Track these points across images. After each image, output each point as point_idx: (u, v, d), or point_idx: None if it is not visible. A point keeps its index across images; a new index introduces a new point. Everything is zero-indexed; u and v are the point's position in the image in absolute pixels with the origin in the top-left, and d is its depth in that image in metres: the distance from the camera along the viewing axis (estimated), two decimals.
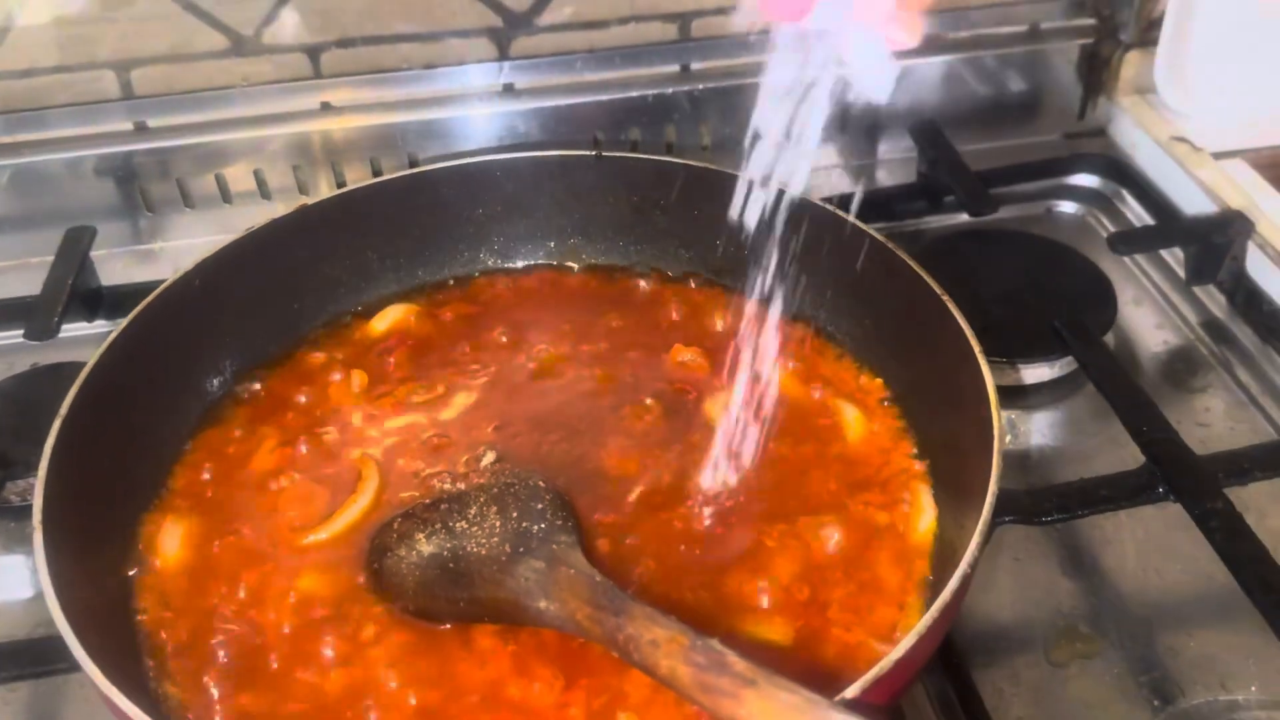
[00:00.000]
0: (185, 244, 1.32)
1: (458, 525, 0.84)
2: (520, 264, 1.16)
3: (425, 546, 0.84)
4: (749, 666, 0.61)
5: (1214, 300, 1.21)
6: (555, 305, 1.11)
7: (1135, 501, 0.94)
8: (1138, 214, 1.32)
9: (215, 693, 0.79)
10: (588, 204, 1.14)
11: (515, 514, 0.84)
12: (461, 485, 0.91)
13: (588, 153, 1.12)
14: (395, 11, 1.29)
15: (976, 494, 0.77)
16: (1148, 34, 1.36)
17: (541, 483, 0.89)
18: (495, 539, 0.82)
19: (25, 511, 0.99)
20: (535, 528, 0.82)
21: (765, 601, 0.83)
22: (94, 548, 0.83)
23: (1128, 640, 0.90)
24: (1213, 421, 1.09)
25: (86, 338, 1.17)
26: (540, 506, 0.84)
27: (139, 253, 1.33)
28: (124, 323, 0.92)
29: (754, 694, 0.59)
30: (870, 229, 0.98)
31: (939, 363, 0.90)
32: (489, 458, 0.94)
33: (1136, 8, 1.35)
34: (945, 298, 0.89)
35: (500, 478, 0.91)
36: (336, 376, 1.03)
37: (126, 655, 0.80)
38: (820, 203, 1.03)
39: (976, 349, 0.85)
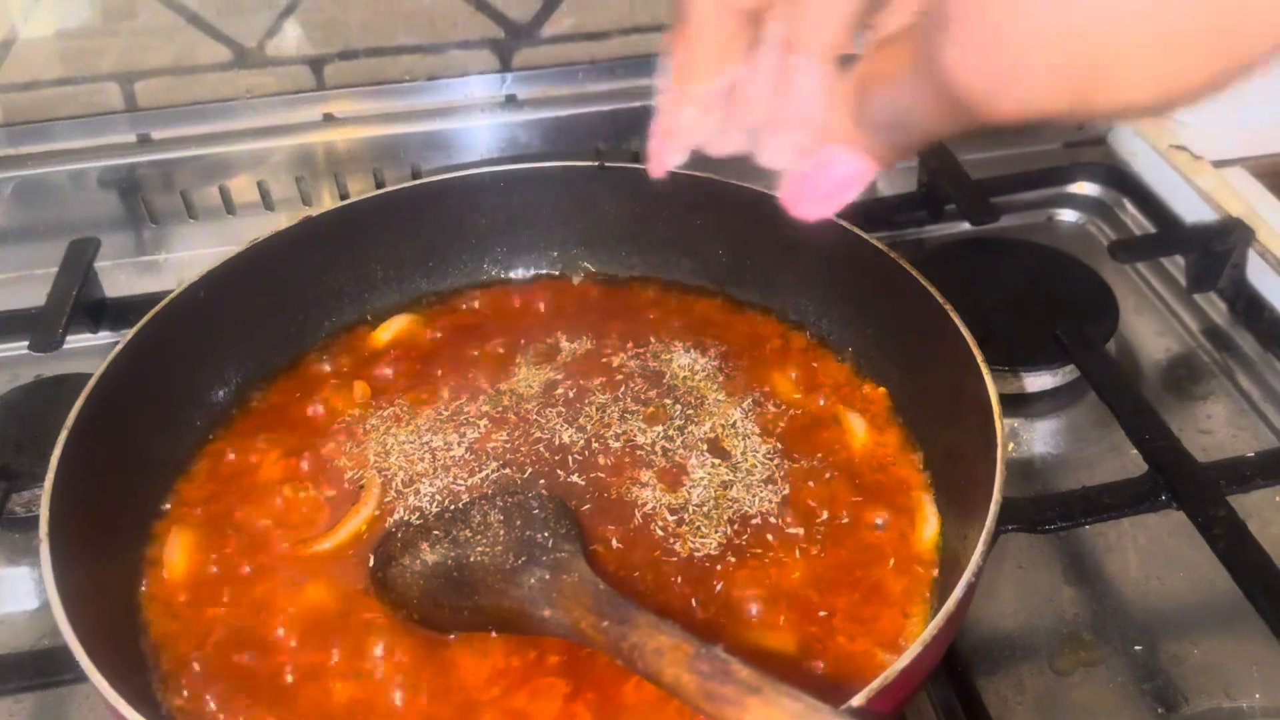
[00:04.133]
0: (189, 255, 1.33)
1: (461, 534, 0.85)
2: (523, 274, 1.16)
3: (429, 555, 0.84)
4: (753, 674, 0.61)
5: (1215, 308, 1.21)
6: (558, 315, 1.11)
7: (1138, 509, 0.94)
8: (1138, 222, 1.32)
9: (221, 706, 0.79)
10: (590, 214, 1.14)
11: (519, 523, 0.84)
12: (465, 495, 0.91)
13: (591, 164, 1.12)
14: (398, 23, 1.29)
15: (980, 503, 0.77)
16: None
17: (544, 492, 0.90)
18: (499, 548, 0.82)
19: (30, 523, 1.00)
20: (539, 536, 0.82)
21: (769, 610, 0.83)
22: (100, 559, 0.83)
23: (1131, 648, 0.90)
24: (1215, 429, 1.10)
25: (90, 349, 1.18)
26: (543, 516, 0.85)
27: (143, 264, 1.33)
28: (130, 334, 0.93)
29: (758, 701, 0.60)
30: (872, 238, 0.98)
31: (942, 372, 0.91)
32: (491, 468, 0.94)
33: None
34: (948, 307, 0.89)
35: (503, 488, 0.92)
36: (339, 388, 1.03)
37: (133, 667, 0.80)
38: None
39: (979, 358, 0.85)
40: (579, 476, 0.93)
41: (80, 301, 1.16)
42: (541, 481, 0.93)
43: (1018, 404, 1.10)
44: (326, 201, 1.34)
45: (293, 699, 0.79)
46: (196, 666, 0.81)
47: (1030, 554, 0.97)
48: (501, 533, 0.83)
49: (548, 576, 0.78)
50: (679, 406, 0.99)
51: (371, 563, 0.87)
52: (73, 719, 0.89)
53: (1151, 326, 1.22)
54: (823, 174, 0.54)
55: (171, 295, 0.96)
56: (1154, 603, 0.94)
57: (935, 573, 0.86)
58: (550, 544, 0.81)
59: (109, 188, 1.30)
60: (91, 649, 0.70)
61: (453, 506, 0.89)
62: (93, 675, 0.69)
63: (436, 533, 0.86)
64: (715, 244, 1.11)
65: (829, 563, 0.87)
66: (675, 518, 0.90)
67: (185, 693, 0.80)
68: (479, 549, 0.83)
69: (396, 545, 0.87)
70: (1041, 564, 0.97)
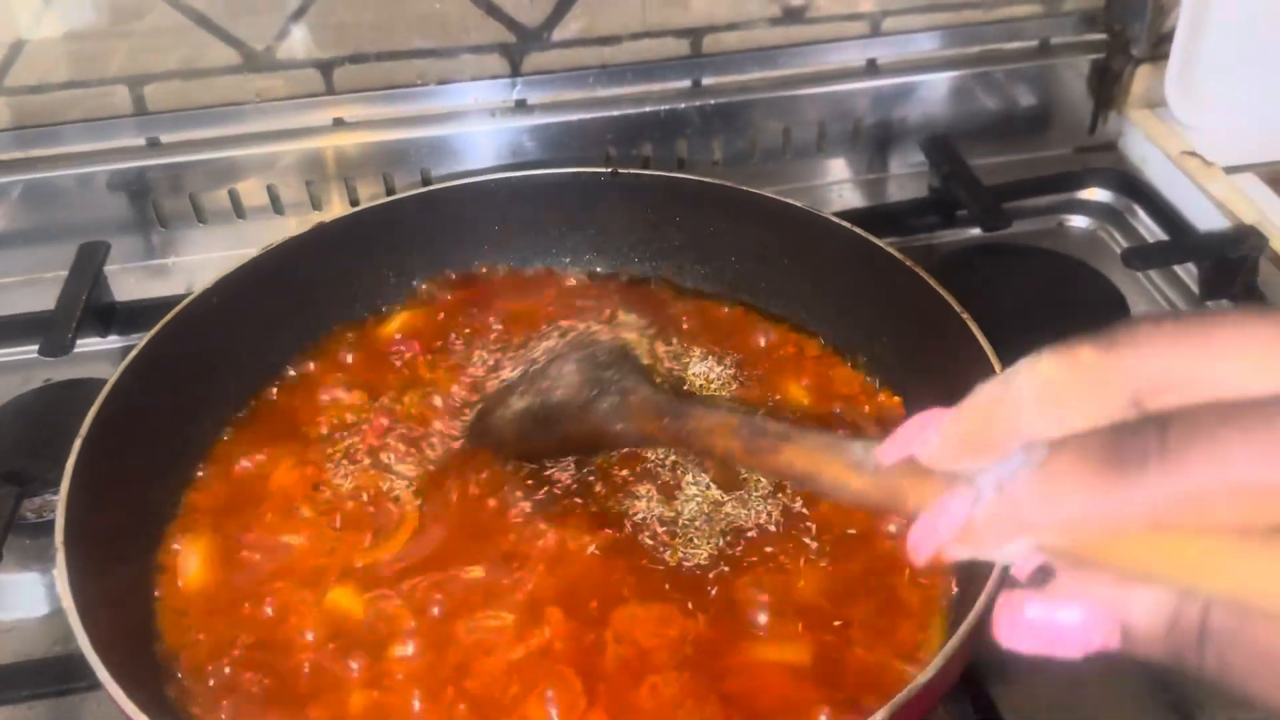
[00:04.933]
0: (198, 259, 1.32)
1: (543, 384, 0.94)
2: (535, 279, 1.16)
3: (518, 404, 0.95)
4: (783, 426, 0.64)
5: None
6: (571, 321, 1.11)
7: None
8: (1149, 229, 1.31)
9: (237, 715, 0.79)
10: (602, 220, 1.14)
11: (589, 368, 0.93)
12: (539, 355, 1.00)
13: (602, 169, 1.12)
14: (408, 27, 1.29)
15: None
16: (1159, 48, 1.36)
17: (605, 339, 1.00)
18: (575, 385, 0.91)
19: (41, 529, 1.00)
20: (607, 374, 0.90)
21: (780, 620, 0.83)
22: (115, 567, 0.83)
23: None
24: None
25: (99, 353, 1.17)
26: (610, 360, 0.93)
27: (152, 268, 1.32)
28: (144, 340, 0.92)
29: (789, 445, 0.63)
30: (887, 245, 0.98)
31: (958, 381, 0.89)
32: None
33: (1148, 22, 1.35)
34: (965, 316, 0.89)
35: (573, 344, 1.00)
36: (350, 393, 1.03)
37: (148, 676, 0.80)
38: (833, 218, 1.04)
39: (998, 368, 0.85)
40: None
41: (90, 305, 1.15)
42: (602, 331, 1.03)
43: None
44: (336, 205, 1.33)
45: (310, 709, 0.79)
46: (213, 676, 0.81)
47: None
48: (576, 378, 0.92)
49: (618, 400, 0.87)
50: None
51: (471, 419, 0.99)
52: None
53: None
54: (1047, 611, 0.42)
55: (185, 301, 0.96)
56: None
57: (953, 584, 0.85)
58: (618, 377, 0.89)
59: (118, 191, 1.29)
60: (108, 658, 0.70)
61: (531, 367, 0.99)
62: (109, 685, 0.69)
63: (522, 388, 0.97)
64: (728, 250, 1.11)
65: (843, 573, 0.86)
66: (667, 529, 0.90)
67: (200, 702, 0.79)
68: (558, 391, 0.92)
69: (491, 403, 0.99)
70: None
